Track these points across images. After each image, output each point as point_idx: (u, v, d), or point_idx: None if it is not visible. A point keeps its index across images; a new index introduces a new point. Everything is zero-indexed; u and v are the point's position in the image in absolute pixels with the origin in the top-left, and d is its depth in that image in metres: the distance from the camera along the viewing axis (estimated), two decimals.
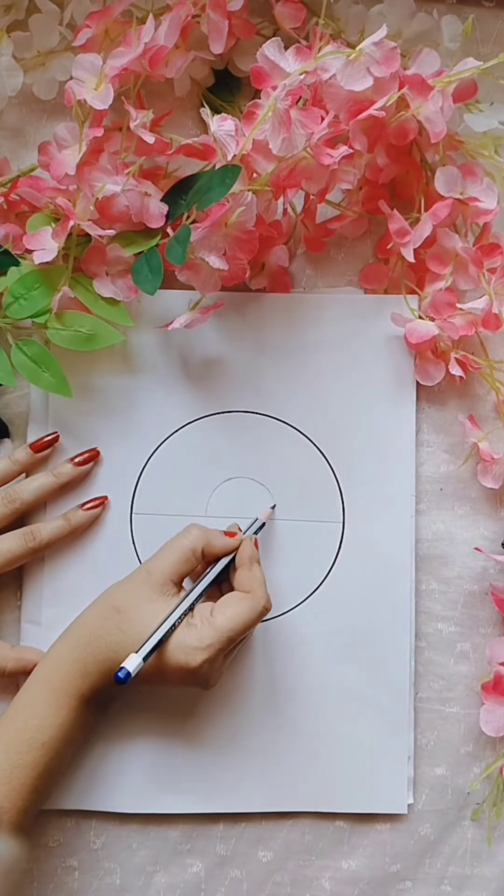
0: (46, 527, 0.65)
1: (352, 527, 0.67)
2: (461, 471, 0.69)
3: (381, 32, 0.60)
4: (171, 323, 0.63)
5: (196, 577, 0.63)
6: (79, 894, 0.66)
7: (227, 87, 0.68)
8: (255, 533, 0.65)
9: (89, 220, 0.62)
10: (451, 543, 0.68)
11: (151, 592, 0.60)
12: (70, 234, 0.62)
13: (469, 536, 0.68)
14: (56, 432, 0.66)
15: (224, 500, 0.67)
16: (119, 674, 0.57)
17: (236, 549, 0.63)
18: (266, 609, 0.61)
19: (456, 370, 0.66)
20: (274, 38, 0.60)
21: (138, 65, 0.62)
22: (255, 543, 0.64)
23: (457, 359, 0.66)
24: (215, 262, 0.61)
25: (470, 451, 0.68)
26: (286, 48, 0.60)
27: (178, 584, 0.62)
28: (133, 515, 0.67)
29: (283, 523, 0.67)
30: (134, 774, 0.66)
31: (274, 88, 0.59)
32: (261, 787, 0.66)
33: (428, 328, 0.65)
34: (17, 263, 0.64)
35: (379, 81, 0.60)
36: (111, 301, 0.64)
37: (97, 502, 0.66)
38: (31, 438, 0.67)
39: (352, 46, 0.62)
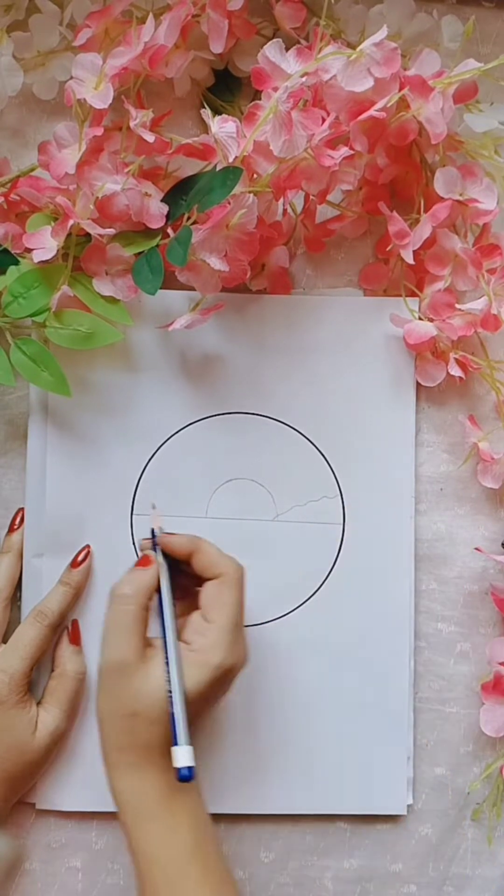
0: (52, 600, 0.65)
1: (352, 528, 0.67)
2: (461, 471, 0.69)
3: (382, 33, 0.60)
4: (171, 323, 0.63)
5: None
6: (82, 895, 0.66)
7: (227, 87, 0.68)
8: (154, 536, 0.63)
9: (89, 219, 0.62)
10: (451, 543, 0.68)
11: (137, 677, 0.57)
12: (70, 233, 0.62)
13: (469, 536, 0.68)
14: (88, 544, 0.66)
15: (224, 501, 0.67)
16: (182, 772, 0.55)
17: (158, 567, 0.61)
18: (242, 575, 0.60)
19: (455, 371, 0.66)
20: (275, 40, 0.59)
21: (138, 64, 0.62)
22: (157, 537, 0.62)
23: (456, 359, 0.66)
24: (216, 263, 0.61)
25: (470, 452, 0.68)
26: (286, 48, 0.60)
27: (148, 640, 0.60)
28: (133, 516, 0.67)
29: (283, 525, 0.67)
30: None
31: (275, 89, 0.59)
32: (261, 788, 0.66)
33: (426, 329, 0.65)
34: (16, 262, 0.64)
35: (379, 82, 0.60)
36: (111, 300, 0.64)
37: (84, 553, 0.66)
38: (31, 438, 0.67)
39: (352, 47, 0.62)
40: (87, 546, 0.66)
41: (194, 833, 0.58)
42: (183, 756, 0.56)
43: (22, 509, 0.67)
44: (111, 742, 0.58)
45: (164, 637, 0.59)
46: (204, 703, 0.58)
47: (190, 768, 0.55)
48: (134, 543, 0.66)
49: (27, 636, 0.63)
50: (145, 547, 0.64)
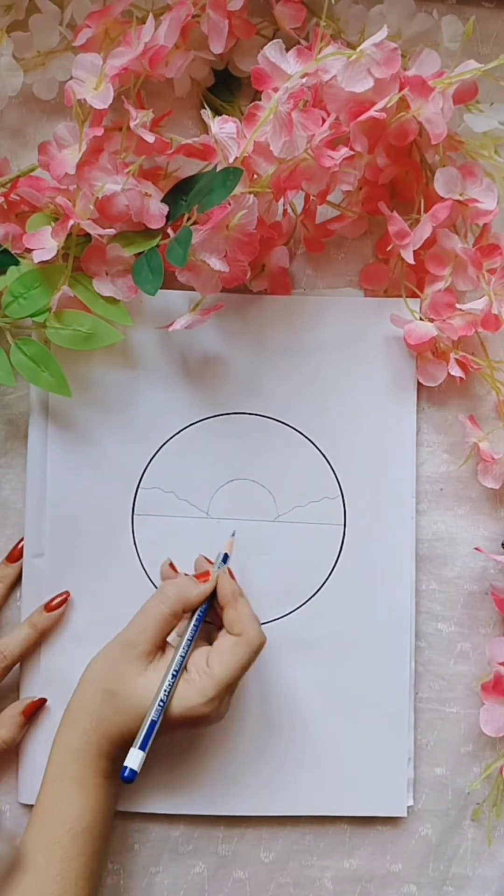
0: (14, 641, 0.65)
1: (353, 528, 0.67)
2: (461, 471, 0.69)
3: (382, 33, 0.60)
4: (171, 324, 0.63)
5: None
6: None
7: (227, 87, 0.68)
8: (224, 563, 0.64)
9: (89, 219, 0.62)
10: (452, 543, 0.68)
11: (138, 666, 0.60)
12: (70, 234, 0.62)
13: (469, 536, 0.68)
14: (67, 591, 0.66)
15: (225, 501, 0.67)
16: (124, 774, 0.58)
17: (212, 590, 0.62)
18: (260, 646, 0.61)
19: (456, 371, 0.66)
20: (275, 40, 0.59)
21: (138, 64, 0.62)
22: (231, 574, 0.63)
23: (457, 359, 0.66)
24: (216, 263, 0.61)
25: (470, 452, 0.68)
26: (286, 48, 0.60)
27: (162, 647, 0.62)
28: (134, 517, 0.67)
29: (284, 525, 0.67)
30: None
31: (275, 90, 0.59)
32: (261, 789, 0.66)
33: (426, 329, 0.65)
34: (16, 262, 0.64)
35: (379, 82, 0.60)
36: (111, 300, 0.64)
37: (61, 599, 0.66)
38: (32, 438, 0.67)
39: (352, 47, 0.62)
40: (66, 593, 0.66)
41: (91, 818, 0.59)
42: (135, 759, 0.58)
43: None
44: (77, 701, 0.60)
45: (179, 653, 0.60)
46: (165, 726, 0.59)
47: (134, 773, 0.58)
48: (134, 543, 0.66)
49: None
50: (201, 567, 0.65)
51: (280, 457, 0.67)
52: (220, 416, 0.67)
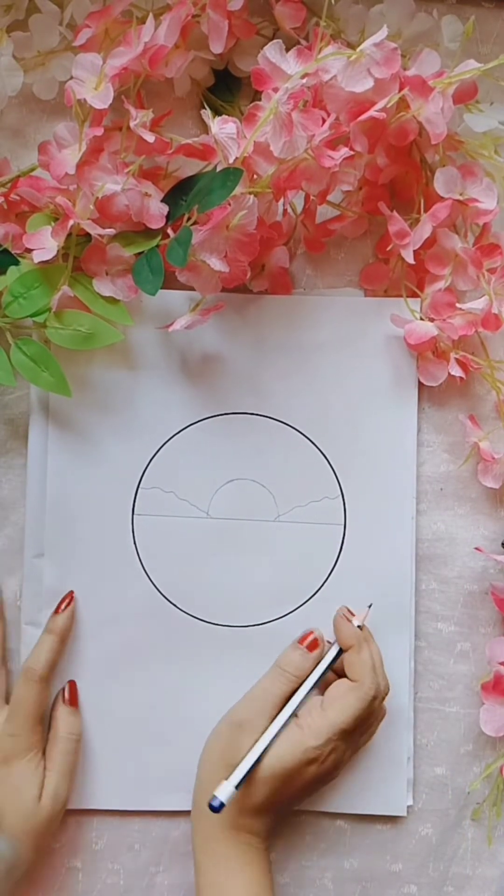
0: (38, 653, 0.64)
1: (353, 528, 0.67)
2: (461, 471, 0.69)
3: (382, 33, 0.60)
4: (171, 324, 0.63)
5: None
6: (82, 895, 0.66)
7: (227, 87, 0.68)
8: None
9: (89, 219, 0.62)
10: (452, 543, 0.68)
11: (246, 741, 0.60)
12: (70, 234, 0.62)
13: (469, 536, 0.68)
14: (71, 590, 0.66)
15: (226, 501, 0.67)
16: (212, 803, 0.58)
17: (320, 660, 0.64)
18: (376, 696, 0.62)
19: (456, 370, 0.66)
20: (275, 41, 0.59)
21: (138, 64, 0.62)
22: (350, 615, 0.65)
23: (457, 359, 0.66)
24: (216, 263, 0.61)
25: (470, 451, 0.68)
26: (286, 48, 0.60)
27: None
28: (134, 517, 0.67)
29: (284, 525, 0.67)
30: (135, 772, 0.66)
31: (275, 90, 0.59)
32: None
33: (427, 329, 0.65)
34: (16, 262, 0.64)
35: (379, 82, 0.60)
36: (111, 300, 0.64)
37: (67, 601, 0.66)
38: (32, 437, 0.67)
39: (352, 47, 0.62)
40: (71, 592, 0.66)
41: (259, 889, 0.60)
42: (225, 791, 0.58)
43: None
44: (206, 786, 0.60)
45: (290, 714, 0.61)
46: (287, 782, 0.60)
47: (221, 804, 0.58)
48: (135, 543, 0.66)
49: (20, 696, 0.63)
50: (315, 640, 0.65)
51: (280, 457, 0.67)
52: (221, 416, 0.67)
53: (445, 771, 0.68)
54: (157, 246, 0.63)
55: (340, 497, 0.67)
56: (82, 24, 0.63)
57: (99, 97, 0.60)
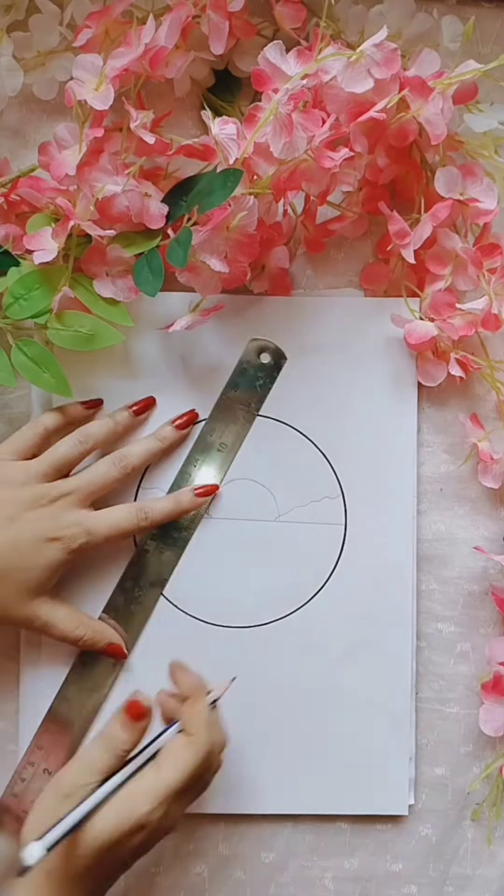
0: (158, 505, 0.64)
1: (353, 528, 0.67)
2: (461, 471, 0.69)
3: (382, 34, 0.60)
4: (171, 325, 0.63)
5: None
6: None
7: (227, 88, 0.68)
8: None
9: (89, 220, 0.62)
10: (451, 543, 0.68)
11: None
12: (70, 235, 0.62)
13: (469, 536, 0.68)
14: (152, 396, 0.66)
15: (226, 501, 0.67)
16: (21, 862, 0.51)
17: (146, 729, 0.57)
18: (212, 750, 0.56)
19: (456, 370, 0.66)
20: (275, 41, 0.59)
21: (139, 65, 0.62)
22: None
23: (457, 359, 0.66)
24: (216, 264, 0.61)
25: (470, 452, 0.68)
26: (287, 49, 0.60)
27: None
28: None
29: (285, 525, 0.67)
30: None
31: (275, 91, 0.59)
32: (261, 788, 0.66)
33: (427, 329, 0.65)
34: (17, 264, 0.64)
35: (379, 83, 0.60)
36: (111, 301, 0.64)
37: (210, 489, 0.66)
38: None
39: (352, 47, 0.62)
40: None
41: None
42: (32, 851, 0.51)
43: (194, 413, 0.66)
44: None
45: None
46: (116, 853, 0.54)
47: (28, 867, 0.51)
48: (135, 543, 0.66)
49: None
50: (164, 703, 0.60)
51: (280, 456, 0.67)
52: None
53: (445, 771, 0.68)
54: (158, 247, 0.63)
55: (341, 497, 0.67)
56: (82, 24, 0.63)
57: (99, 98, 0.60)
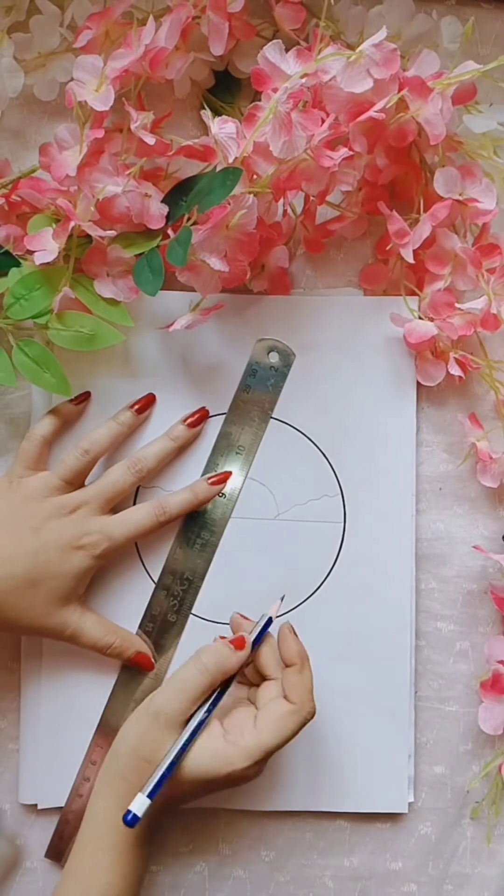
0: (174, 500, 0.65)
1: (352, 527, 0.67)
2: (460, 470, 0.69)
3: (381, 34, 0.60)
4: (171, 324, 0.64)
5: None
6: None
7: (227, 88, 0.68)
8: (267, 628, 0.63)
9: (90, 220, 0.62)
10: (451, 543, 0.69)
11: (173, 735, 0.58)
12: (71, 235, 0.62)
13: (468, 536, 0.69)
14: (152, 393, 0.67)
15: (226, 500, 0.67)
16: (126, 818, 0.56)
17: (244, 661, 0.61)
18: (309, 718, 0.60)
19: (455, 370, 0.66)
20: (275, 41, 0.60)
21: (139, 66, 0.62)
22: (294, 633, 0.62)
23: (456, 359, 0.66)
24: (216, 263, 0.61)
25: (469, 451, 0.69)
26: (286, 49, 0.60)
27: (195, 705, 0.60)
28: None
29: (284, 523, 0.67)
30: None
31: (275, 90, 0.59)
32: (261, 785, 0.66)
33: (426, 328, 0.65)
34: (18, 264, 0.64)
35: (379, 83, 0.60)
36: (112, 301, 0.64)
37: (223, 476, 0.66)
38: None
39: (352, 48, 0.63)
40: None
41: (125, 885, 0.58)
42: (140, 806, 0.56)
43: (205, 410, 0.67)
44: (114, 768, 0.59)
45: (201, 716, 0.59)
46: (201, 788, 0.58)
47: (136, 818, 0.56)
48: (136, 545, 0.67)
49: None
50: (236, 627, 0.64)
51: (280, 455, 0.67)
52: (221, 416, 0.67)
53: (445, 770, 0.68)
54: (158, 246, 0.63)
55: (340, 495, 0.67)
56: (83, 25, 0.64)
57: (100, 99, 0.61)
